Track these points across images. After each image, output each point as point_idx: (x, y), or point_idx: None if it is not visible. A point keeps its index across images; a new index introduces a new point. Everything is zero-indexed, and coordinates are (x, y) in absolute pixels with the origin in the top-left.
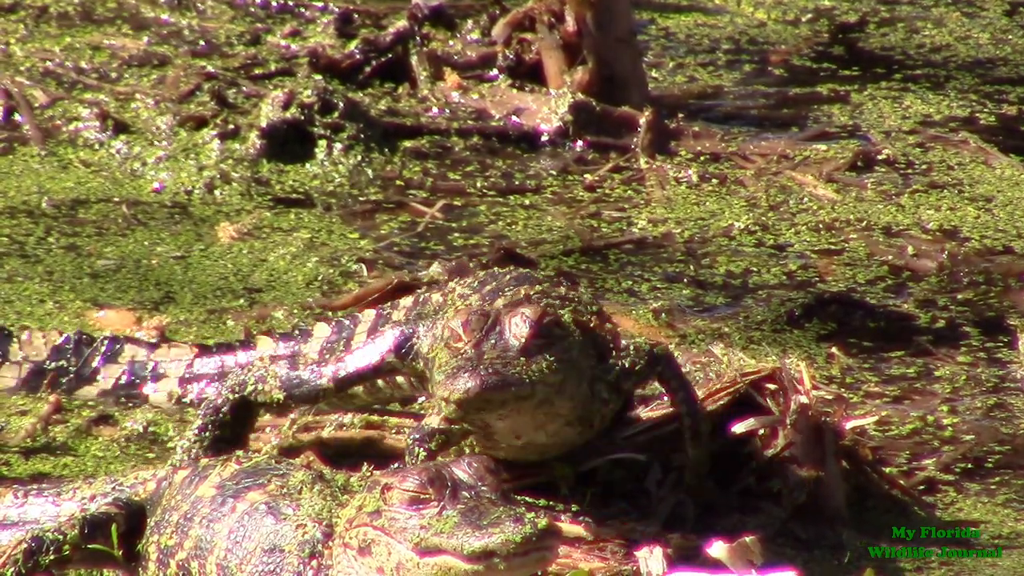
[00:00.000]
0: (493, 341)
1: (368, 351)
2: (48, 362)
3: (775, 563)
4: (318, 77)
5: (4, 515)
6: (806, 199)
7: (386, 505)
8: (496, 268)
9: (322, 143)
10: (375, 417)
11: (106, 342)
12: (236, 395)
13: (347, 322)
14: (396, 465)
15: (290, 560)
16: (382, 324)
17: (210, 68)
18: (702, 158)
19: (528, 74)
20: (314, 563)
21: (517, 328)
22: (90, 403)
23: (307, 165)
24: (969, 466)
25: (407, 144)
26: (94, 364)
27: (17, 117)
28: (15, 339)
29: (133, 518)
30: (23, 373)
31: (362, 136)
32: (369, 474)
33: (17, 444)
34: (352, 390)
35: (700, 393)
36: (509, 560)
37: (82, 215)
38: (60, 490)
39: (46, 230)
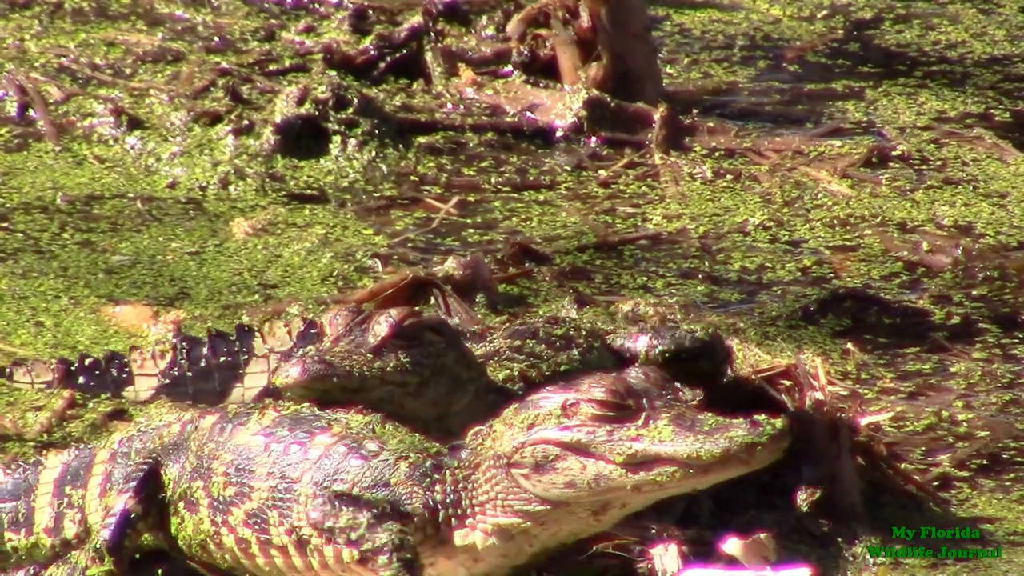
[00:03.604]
0: (353, 337)
1: None
2: (296, 350)
3: (789, 560)
4: (332, 73)
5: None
6: (821, 195)
7: (570, 419)
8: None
9: (336, 139)
10: None
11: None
12: None
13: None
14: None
15: (407, 490)
16: None
17: (224, 64)
18: (716, 154)
19: (542, 70)
20: (439, 488)
21: (378, 327)
22: (105, 399)
23: (321, 161)
24: (984, 462)
25: (421, 140)
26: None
27: (32, 113)
28: (257, 334)
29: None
30: (272, 365)
31: (376, 132)
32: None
33: (33, 438)
34: None
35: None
36: (747, 464)
37: (96, 211)
38: (90, 444)
39: (61, 226)
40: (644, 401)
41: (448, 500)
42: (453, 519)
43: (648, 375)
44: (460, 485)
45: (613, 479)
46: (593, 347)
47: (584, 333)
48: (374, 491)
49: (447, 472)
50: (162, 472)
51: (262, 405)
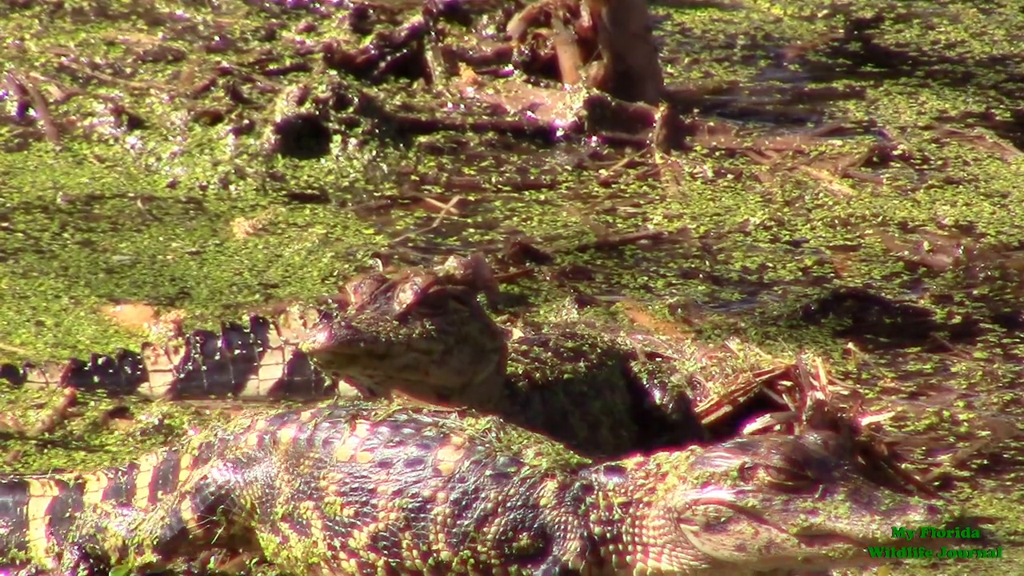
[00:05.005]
0: (378, 305)
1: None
2: None
3: None
4: (333, 72)
5: None
6: (821, 195)
7: (746, 484)
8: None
9: (337, 138)
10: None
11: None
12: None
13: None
14: (739, 439)
15: (560, 518)
16: None
17: (225, 63)
18: (717, 153)
19: (543, 69)
20: (594, 517)
21: (403, 294)
22: (106, 397)
23: (322, 160)
24: (985, 462)
25: (422, 139)
26: None
27: (32, 112)
28: (272, 325)
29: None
30: (287, 357)
31: (377, 131)
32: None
33: (35, 436)
34: None
35: (714, 396)
36: (918, 548)
37: (97, 210)
38: (176, 446)
39: (61, 225)
40: (822, 472)
41: (608, 534)
42: (615, 556)
43: (827, 443)
44: (617, 515)
45: (785, 548)
46: (605, 364)
47: (599, 350)
48: (522, 511)
49: (599, 495)
50: (237, 493)
51: (346, 414)
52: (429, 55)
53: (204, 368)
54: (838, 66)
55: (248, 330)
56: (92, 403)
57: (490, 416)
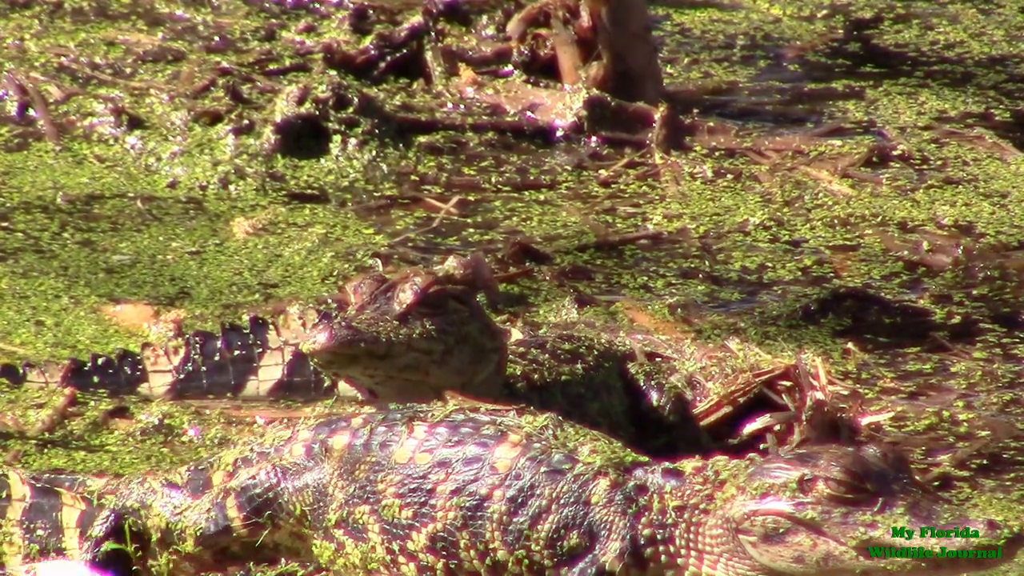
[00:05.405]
0: (378, 305)
1: None
2: None
3: None
4: (332, 72)
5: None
6: (821, 195)
7: (805, 496)
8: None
9: (337, 138)
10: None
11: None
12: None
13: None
14: (796, 450)
15: (607, 517)
16: None
17: (225, 64)
18: (717, 154)
19: (543, 70)
20: (645, 520)
21: (403, 294)
22: (106, 397)
23: (322, 160)
24: (984, 462)
25: (422, 139)
26: None
27: (32, 112)
28: (272, 326)
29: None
30: (287, 358)
31: (377, 131)
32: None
33: (35, 436)
34: None
35: (714, 397)
36: (979, 566)
37: (97, 210)
38: (203, 464)
39: (61, 225)
40: (881, 484)
41: (659, 536)
42: (664, 556)
43: (886, 456)
44: (671, 519)
45: (843, 561)
46: (602, 366)
47: (596, 352)
48: (573, 508)
49: (654, 496)
50: (286, 499)
51: (402, 417)
52: (429, 55)
53: (204, 368)
54: (837, 66)
55: (247, 330)
56: (92, 403)
57: (548, 413)
